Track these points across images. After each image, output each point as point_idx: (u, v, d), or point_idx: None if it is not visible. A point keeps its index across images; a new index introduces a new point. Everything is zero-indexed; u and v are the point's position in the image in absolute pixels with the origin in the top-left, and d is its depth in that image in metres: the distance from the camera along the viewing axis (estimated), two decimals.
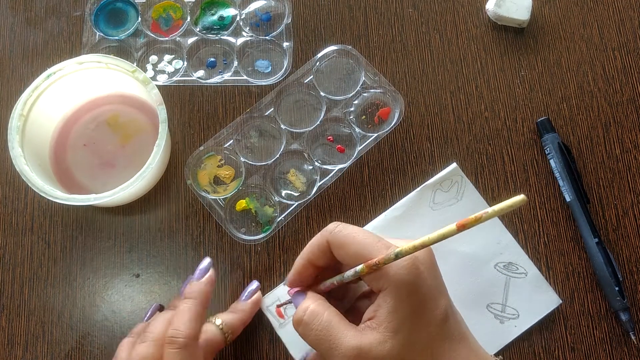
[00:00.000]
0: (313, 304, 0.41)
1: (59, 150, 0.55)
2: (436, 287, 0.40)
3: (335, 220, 0.54)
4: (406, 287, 0.38)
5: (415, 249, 0.37)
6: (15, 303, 0.53)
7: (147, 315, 0.51)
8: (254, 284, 0.52)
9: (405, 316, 0.38)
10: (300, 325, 0.41)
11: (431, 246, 0.38)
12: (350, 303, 0.45)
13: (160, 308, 0.52)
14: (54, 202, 0.48)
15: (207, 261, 0.48)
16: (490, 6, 0.59)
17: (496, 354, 0.51)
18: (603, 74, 0.59)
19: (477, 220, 0.33)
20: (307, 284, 0.44)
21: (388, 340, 0.38)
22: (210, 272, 0.48)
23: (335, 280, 0.43)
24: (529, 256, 0.53)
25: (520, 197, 0.31)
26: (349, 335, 0.39)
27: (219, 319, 0.48)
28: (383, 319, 0.39)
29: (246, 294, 0.51)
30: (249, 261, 0.54)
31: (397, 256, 0.37)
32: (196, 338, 0.44)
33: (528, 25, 0.60)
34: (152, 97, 0.51)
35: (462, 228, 0.34)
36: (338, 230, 0.41)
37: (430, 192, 0.54)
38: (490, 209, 0.32)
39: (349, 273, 0.41)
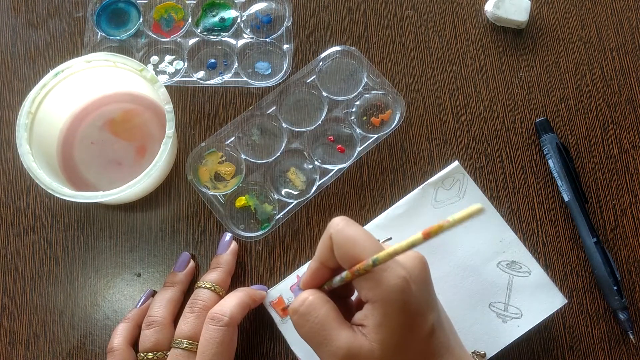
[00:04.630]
0: (312, 296, 0.41)
1: (67, 148, 0.55)
2: (425, 302, 0.40)
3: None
4: (395, 304, 0.38)
5: (390, 256, 0.37)
6: (17, 302, 0.53)
7: (141, 301, 0.52)
8: (228, 236, 0.53)
9: (392, 331, 0.38)
10: (296, 315, 0.41)
11: (429, 253, 0.39)
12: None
13: (153, 294, 0.52)
14: (59, 200, 0.49)
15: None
16: (489, 7, 0.60)
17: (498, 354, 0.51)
18: (601, 75, 0.59)
19: (440, 228, 0.35)
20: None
21: (375, 350, 0.38)
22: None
23: (325, 285, 0.43)
24: (532, 255, 0.53)
25: (477, 206, 0.33)
26: (343, 335, 0.39)
27: (207, 282, 0.50)
28: (370, 329, 0.39)
29: (222, 246, 0.53)
30: (250, 260, 0.54)
31: (375, 263, 0.38)
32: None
33: (527, 26, 0.60)
34: (159, 96, 0.51)
35: (427, 236, 0.35)
36: (341, 229, 0.40)
37: (432, 190, 0.54)
38: (450, 218, 0.34)
39: (337, 279, 0.41)
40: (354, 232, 0.40)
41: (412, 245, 0.36)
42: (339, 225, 0.41)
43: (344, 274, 0.40)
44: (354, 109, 0.57)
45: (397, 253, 0.37)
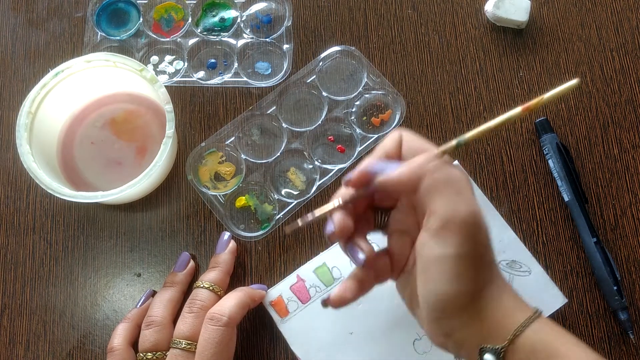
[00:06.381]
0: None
1: (66, 148, 0.55)
2: (487, 235, 0.40)
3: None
4: (470, 227, 0.38)
5: (481, 133, 0.39)
6: (17, 302, 0.54)
7: (141, 301, 0.52)
8: (226, 235, 0.53)
9: (468, 251, 0.38)
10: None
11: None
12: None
13: (153, 294, 0.53)
14: (59, 200, 0.48)
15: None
16: (489, 7, 0.60)
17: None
18: (601, 75, 0.59)
19: (539, 102, 0.37)
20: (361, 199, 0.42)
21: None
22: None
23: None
24: (532, 254, 0.53)
25: (573, 81, 0.36)
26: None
27: (206, 282, 0.50)
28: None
29: (221, 245, 0.53)
30: (250, 260, 0.54)
31: (459, 144, 0.39)
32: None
33: (527, 26, 0.60)
34: (160, 96, 0.51)
35: (526, 110, 0.37)
36: (409, 133, 0.42)
37: None
38: (548, 94, 0.37)
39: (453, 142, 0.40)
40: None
41: (509, 119, 0.38)
42: (406, 131, 0.42)
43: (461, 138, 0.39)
44: (354, 109, 0.57)
45: (490, 129, 0.38)
